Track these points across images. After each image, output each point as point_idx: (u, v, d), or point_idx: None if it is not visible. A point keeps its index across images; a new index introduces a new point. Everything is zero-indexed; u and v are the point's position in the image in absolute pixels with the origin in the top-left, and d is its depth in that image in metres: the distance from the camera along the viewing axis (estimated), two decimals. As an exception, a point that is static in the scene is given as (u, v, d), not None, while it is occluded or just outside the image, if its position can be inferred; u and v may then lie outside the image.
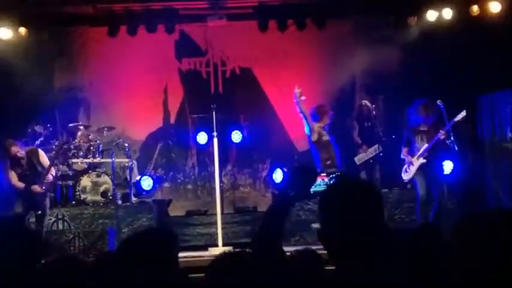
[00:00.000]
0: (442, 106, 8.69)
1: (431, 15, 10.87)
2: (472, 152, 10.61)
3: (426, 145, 8.66)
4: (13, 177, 8.56)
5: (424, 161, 8.67)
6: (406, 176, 8.86)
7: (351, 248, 2.10)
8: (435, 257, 2.69)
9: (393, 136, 10.01)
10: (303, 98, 8.91)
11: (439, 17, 10.84)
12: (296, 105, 8.97)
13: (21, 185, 8.51)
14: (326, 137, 9.01)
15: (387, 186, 10.05)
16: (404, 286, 2.19)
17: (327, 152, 8.95)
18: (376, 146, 9.78)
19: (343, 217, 2.10)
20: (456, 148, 8.53)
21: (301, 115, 9.05)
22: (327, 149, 8.98)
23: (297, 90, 8.93)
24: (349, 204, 2.11)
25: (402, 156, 8.92)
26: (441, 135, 8.58)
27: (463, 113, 8.64)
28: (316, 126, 9.01)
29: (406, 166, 8.85)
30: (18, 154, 8.56)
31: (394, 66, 11.12)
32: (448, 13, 10.74)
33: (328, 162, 8.87)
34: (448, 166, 9.55)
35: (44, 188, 8.58)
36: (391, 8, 11.38)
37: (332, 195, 2.20)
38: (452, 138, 8.54)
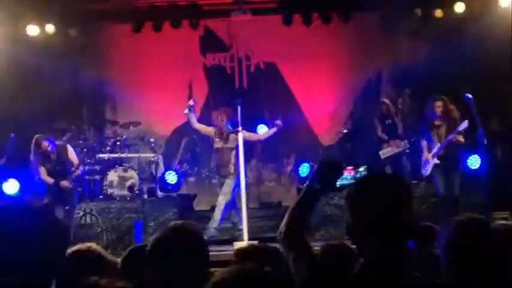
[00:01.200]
0: (470, 99, 8.59)
1: (459, 7, 10.75)
2: (501, 144, 10.48)
3: (439, 144, 8.63)
4: (42, 172, 8.65)
5: (438, 161, 8.64)
6: (424, 172, 8.87)
7: (379, 242, 2.10)
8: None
9: (412, 139, 9.90)
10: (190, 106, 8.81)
11: (467, 9, 10.71)
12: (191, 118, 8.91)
13: (50, 180, 8.61)
14: (220, 144, 8.91)
15: (414, 180, 9.98)
16: (436, 283, 2.18)
17: (221, 157, 8.89)
18: (404, 142, 9.71)
19: (371, 211, 2.09)
20: (485, 142, 8.41)
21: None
22: (222, 154, 8.91)
23: (191, 103, 8.87)
24: (377, 199, 2.11)
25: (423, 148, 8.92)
26: (453, 138, 8.56)
27: (465, 124, 8.55)
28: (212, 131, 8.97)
29: (423, 161, 8.84)
30: (49, 149, 8.63)
31: (421, 60, 11.01)
32: (476, 5, 10.61)
33: (222, 167, 8.84)
34: (474, 161, 9.45)
35: (72, 183, 8.66)
36: (418, 0, 11.27)
37: (360, 189, 2.19)
38: (481, 131, 8.41)
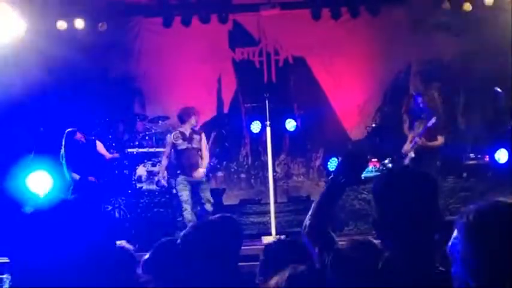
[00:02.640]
0: (500, 94, 8.47)
1: (488, 0, 10.57)
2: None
3: (416, 138, 8.56)
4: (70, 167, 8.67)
5: (413, 155, 8.54)
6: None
7: (405, 236, 2.08)
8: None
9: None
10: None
11: (497, 1, 10.53)
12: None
13: (76, 176, 8.63)
14: (185, 145, 8.72)
15: (442, 175, 9.88)
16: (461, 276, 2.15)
17: (188, 159, 8.70)
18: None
19: (398, 205, 2.08)
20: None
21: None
22: (188, 155, 8.70)
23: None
24: (404, 193, 2.09)
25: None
26: (417, 140, 8.52)
27: (433, 120, 8.47)
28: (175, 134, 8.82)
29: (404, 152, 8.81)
30: (82, 140, 8.66)
31: (450, 53, 10.88)
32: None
33: (190, 168, 8.66)
34: (502, 155, 9.31)
35: (99, 179, 8.68)
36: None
37: (387, 183, 2.18)
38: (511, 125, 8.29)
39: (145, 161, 10.23)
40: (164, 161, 8.97)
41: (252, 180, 12.03)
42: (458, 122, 11.20)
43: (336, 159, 10.17)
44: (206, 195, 8.67)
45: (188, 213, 8.43)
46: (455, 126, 10.99)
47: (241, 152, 12.13)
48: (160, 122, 10.93)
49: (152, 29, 11.94)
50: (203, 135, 8.88)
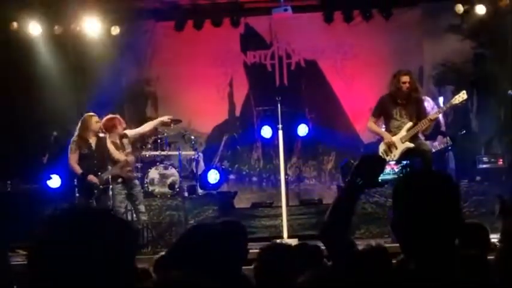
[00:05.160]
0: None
1: (502, 2, 10.52)
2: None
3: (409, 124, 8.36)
4: (71, 158, 8.43)
5: (412, 145, 8.34)
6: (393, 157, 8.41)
7: (425, 240, 2.06)
8: None
9: (463, 131, 9.74)
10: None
11: (510, 4, 10.47)
12: None
13: (78, 169, 8.37)
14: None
15: (455, 178, 9.84)
16: (478, 283, 2.13)
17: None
18: (447, 138, 9.53)
19: (418, 208, 2.06)
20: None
21: None
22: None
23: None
24: (425, 195, 2.07)
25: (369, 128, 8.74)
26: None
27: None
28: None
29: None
30: (98, 126, 8.46)
31: (464, 56, 10.84)
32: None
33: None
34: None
35: (100, 182, 8.41)
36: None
37: (409, 184, 2.16)
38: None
39: (158, 164, 10.24)
40: None
41: (264, 183, 12.03)
42: (472, 125, 11.15)
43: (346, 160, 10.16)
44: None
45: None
46: (469, 129, 10.94)
47: (252, 155, 12.13)
48: (172, 125, 10.92)
49: (164, 32, 11.98)
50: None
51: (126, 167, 8.58)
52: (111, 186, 8.42)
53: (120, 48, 11.42)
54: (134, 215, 8.74)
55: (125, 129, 8.77)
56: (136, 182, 8.88)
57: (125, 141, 8.70)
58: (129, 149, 8.76)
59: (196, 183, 10.44)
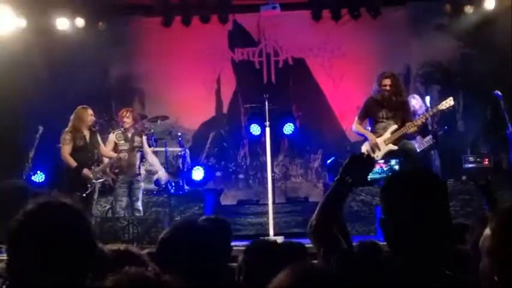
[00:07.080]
0: (499, 96, 8.46)
1: (489, 3, 10.56)
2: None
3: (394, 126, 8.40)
4: (65, 150, 8.44)
5: (395, 147, 8.38)
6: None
7: (413, 239, 2.06)
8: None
9: (445, 128, 9.76)
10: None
11: (498, 5, 10.53)
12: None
13: (72, 162, 8.37)
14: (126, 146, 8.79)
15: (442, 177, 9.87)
16: (467, 281, 2.13)
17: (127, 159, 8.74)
18: (430, 137, 9.55)
19: (407, 206, 2.06)
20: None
21: None
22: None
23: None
24: (414, 194, 2.07)
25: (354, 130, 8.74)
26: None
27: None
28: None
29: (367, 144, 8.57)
30: (94, 118, 8.58)
31: (451, 56, 10.88)
32: (507, 0, 10.41)
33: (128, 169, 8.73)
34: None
35: (94, 177, 8.47)
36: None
37: (396, 184, 2.16)
38: (510, 129, 8.26)
39: (144, 160, 10.19)
40: None
41: (250, 181, 12.02)
42: (458, 125, 11.19)
43: (334, 159, 10.17)
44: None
45: None
46: (455, 128, 10.98)
47: (239, 152, 12.12)
48: (159, 121, 10.90)
49: (152, 28, 11.92)
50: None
51: (118, 163, 8.67)
52: (95, 182, 8.45)
53: (107, 43, 11.35)
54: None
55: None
56: (139, 178, 8.93)
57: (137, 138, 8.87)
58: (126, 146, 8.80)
59: (183, 179, 10.41)
